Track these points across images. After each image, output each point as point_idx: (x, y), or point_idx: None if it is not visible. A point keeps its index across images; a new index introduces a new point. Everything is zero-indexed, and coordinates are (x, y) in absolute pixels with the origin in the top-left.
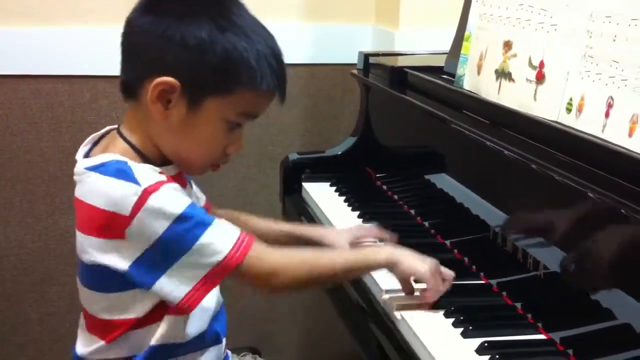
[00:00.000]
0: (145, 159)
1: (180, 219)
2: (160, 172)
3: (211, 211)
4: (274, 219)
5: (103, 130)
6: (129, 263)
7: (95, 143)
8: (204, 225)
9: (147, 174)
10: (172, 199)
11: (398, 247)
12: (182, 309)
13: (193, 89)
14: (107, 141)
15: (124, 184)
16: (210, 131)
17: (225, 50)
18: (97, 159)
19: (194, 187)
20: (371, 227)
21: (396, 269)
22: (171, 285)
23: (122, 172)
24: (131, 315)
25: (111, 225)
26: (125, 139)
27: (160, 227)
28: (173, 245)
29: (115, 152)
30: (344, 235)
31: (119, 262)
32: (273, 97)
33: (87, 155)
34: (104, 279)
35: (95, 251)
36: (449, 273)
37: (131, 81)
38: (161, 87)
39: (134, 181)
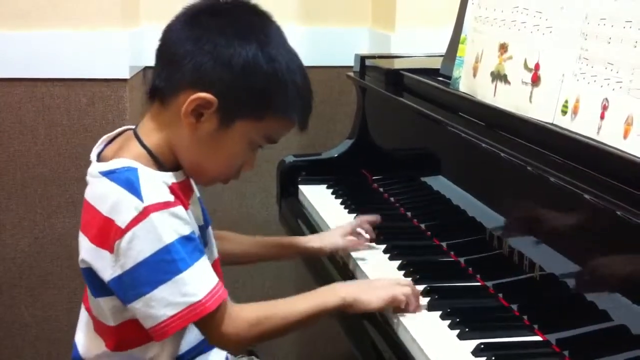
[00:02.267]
0: (158, 163)
1: (169, 248)
2: (170, 185)
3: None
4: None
5: (118, 130)
6: (111, 277)
7: (109, 143)
8: (186, 263)
9: (154, 190)
10: (169, 225)
11: (350, 284)
12: (151, 334)
13: (228, 109)
14: (122, 142)
15: (127, 196)
16: (234, 149)
17: (268, 78)
18: (110, 164)
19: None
20: (357, 219)
21: (351, 310)
22: (143, 313)
23: (129, 184)
24: (118, 321)
25: (105, 234)
26: (140, 142)
27: (148, 249)
28: (153, 271)
29: (129, 157)
30: (335, 235)
31: (103, 272)
32: (295, 125)
33: (100, 154)
34: (93, 282)
35: (88, 255)
36: (404, 283)
37: (166, 88)
38: (198, 102)
39: (138, 195)
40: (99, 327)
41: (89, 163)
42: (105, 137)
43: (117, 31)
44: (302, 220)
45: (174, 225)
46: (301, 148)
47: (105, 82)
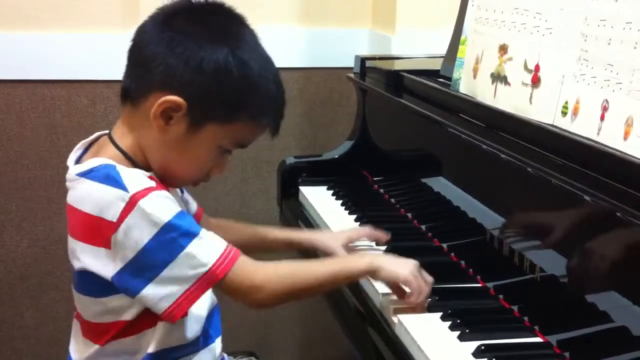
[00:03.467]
0: (134, 165)
1: (167, 227)
2: (149, 177)
3: (203, 219)
4: (267, 225)
5: (94, 136)
6: (113, 272)
7: (87, 149)
8: (190, 235)
9: (135, 179)
10: (160, 207)
11: (378, 254)
12: (166, 318)
13: (198, 112)
14: (98, 147)
15: (111, 190)
16: (202, 153)
17: (238, 82)
18: (87, 164)
19: (186, 192)
20: (365, 229)
21: (378, 276)
22: (155, 296)
23: (110, 178)
24: (124, 318)
25: (98, 232)
26: (116, 145)
27: (146, 235)
28: (158, 254)
29: (105, 157)
30: (339, 238)
31: (104, 270)
32: (265, 131)
33: (78, 161)
34: (94, 284)
35: (83, 257)
36: (428, 278)
37: (135, 90)
38: (167, 105)
39: (122, 187)
40: (89, 328)
41: None
42: (82, 143)
43: (118, 33)
44: (302, 221)
45: (165, 205)
46: (302, 149)
47: (106, 83)
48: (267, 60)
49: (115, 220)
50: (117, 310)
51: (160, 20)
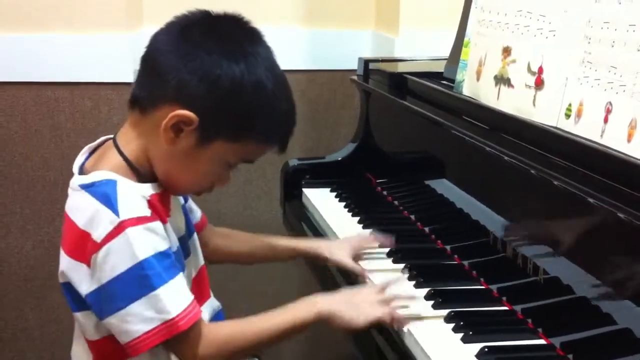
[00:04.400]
0: (137, 173)
1: (144, 264)
2: (149, 200)
3: (207, 228)
4: (272, 235)
5: (99, 141)
6: (87, 292)
7: (91, 153)
8: (161, 280)
9: (131, 205)
10: (144, 241)
11: (332, 297)
12: (129, 349)
13: (208, 128)
14: (102, 151)
15: (104, 211)
16: (208, 168)
17: (252, 102)
18: (90, 177)
19: (190, 200)
20: (370, 236)
21: (332, 325)
22: (121, 326)
23: (106, 198)
24: (88, 337)
25: (81, 247)
26: (120, 151)
27: (121, 265)
28: (128, 287)
29: (108, 168)
30: (345, 249)
31: (80, 285)
32: (273, 149)
33: (82, 165)
34: (76, 297)
35: (66, 268)
36: (388, 297)
37: (147, 99)
38: (179, 119)
39: (114, 210)
40: (85, 339)
41: None
42: (87, 148)
43: (122, 35)
44: (305, 223)
45: (150, 240)
46: (305, 151)
47: (109, 85)
48: (281, 79)
49: (99, 241)
50: (93, 326)
51: (176, 31)
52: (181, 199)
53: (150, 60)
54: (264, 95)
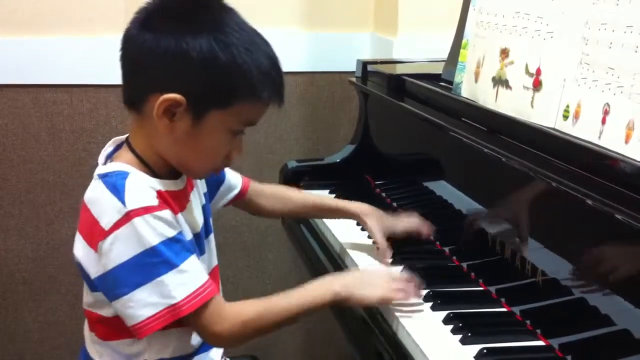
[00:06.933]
0: (150, 170)
1: (150, 251)
2: (158, 192)
3: (251, 187)
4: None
5: (125, 136)
6: (95, 276)
7: (117, 147)
8: (169, 265)
9: (138, 194)
10: (151, 229)
11: (346, 276)
12: (134, 332)
13: (197, 103)
14: (123, 147)
15: (112, 200)
16: (214, 141)
17: (227, 65)
18: (107, 167)
19: (227, 177)
20: (408, 222)
21: (349, 304)
22: (125, 311)
23: (115, 187)
24: (104, 313)
25: (91, 233)
26: (132, 150)
27: (128, 252)
28: (133, 274)
29: (124, 161)
30: (381, 223)
31: (89, 269)
32: (269, 104)
33: (110, 155)
34: (88, 278)
35: (80, 251)
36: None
37: (135, 97)
38: (167, 103)
39: (122, 200)
40: (92, 318)
41: (92, 168)
42: (112, 141)
43: (120, 37)
44: (304, 225)
45: (157, 227)
46: (304, 153)
47: (108, 87)
48: (253, 35)
49: (107, 229)
50: (100, 305)
51: (138, 25)
52: (203, 199)
53: (125, 60)
54: (237, 55)
